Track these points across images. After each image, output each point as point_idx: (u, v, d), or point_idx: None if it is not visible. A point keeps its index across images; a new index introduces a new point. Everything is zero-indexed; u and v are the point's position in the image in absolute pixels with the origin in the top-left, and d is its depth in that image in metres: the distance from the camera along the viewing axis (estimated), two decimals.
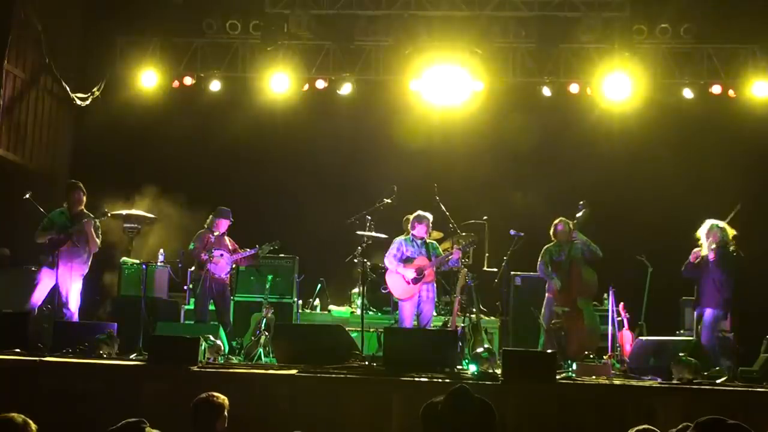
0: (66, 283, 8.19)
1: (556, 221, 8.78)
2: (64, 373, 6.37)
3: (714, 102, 10.62)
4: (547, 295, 8.61)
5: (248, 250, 8.96)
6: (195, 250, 8.88)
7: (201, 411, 4.53)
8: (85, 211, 8.43)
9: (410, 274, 8.53)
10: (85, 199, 8.45)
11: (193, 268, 9.63)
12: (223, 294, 8.89)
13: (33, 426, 3.30)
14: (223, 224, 8.96)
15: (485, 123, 10.92)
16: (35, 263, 8.48)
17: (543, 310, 8.51)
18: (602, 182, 10.60)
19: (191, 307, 9.60)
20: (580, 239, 8.50)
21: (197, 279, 8.82)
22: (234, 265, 9.11)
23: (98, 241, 8.45)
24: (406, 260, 8.65)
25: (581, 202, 8.55)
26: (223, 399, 4.59)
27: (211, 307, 8.90)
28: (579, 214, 8.53)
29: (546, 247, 8.76)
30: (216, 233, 8.88)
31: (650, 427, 3.67)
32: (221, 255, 8.77)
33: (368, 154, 11.23)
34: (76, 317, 8.30)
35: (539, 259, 8.71)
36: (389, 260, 8.70)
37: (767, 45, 10.56)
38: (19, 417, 3.30)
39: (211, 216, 8.99)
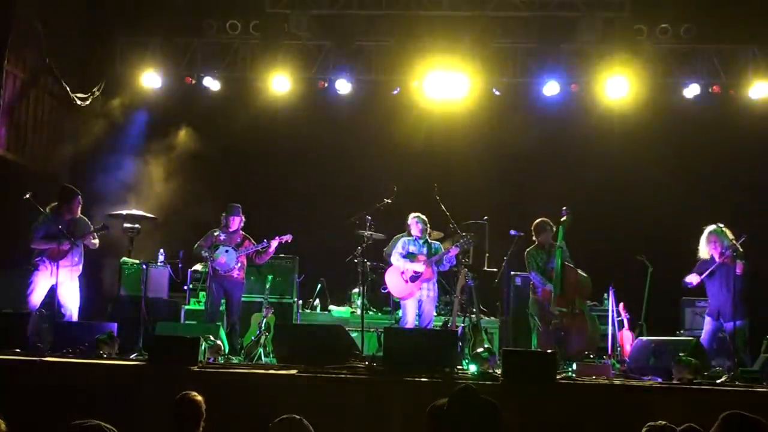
0: (63, 285, 8.17)
1: (541, 224, 8.63)
2: (64, 373, 6.36)
3: (714, 102, 10.62)
4: (534, 296, 8.47)
5: (257, 244, 8.89)
6: (197, 248, 8.88)
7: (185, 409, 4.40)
8: (82, 217, 8.43)
9: (420, 267, 8.60)
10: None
11: (196, 267, 9.65)
12: (232, 292, 8.83)
13: None
14: (234, 221, 8.92)
15: (485, 123, 10.92)
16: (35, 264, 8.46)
17: (532, 310, 8.44)
18: (602, 182, 10.61)
19: (191, 307, 9.63)
20: (561, 244, 8.40)
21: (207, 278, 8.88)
22: (244, 262, 8.93)
23: (96, 242, 8.46)
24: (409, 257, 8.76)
25: (564, 209, 8.47)
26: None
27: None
28: (562, 220, 8.44)
29: (528, 251, 8.58)
30: (228, 231, 8.87)
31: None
32: (226, 251, 8.76)
33: (368, 154, 11.23)
34: (75, 318, 8.29)
35: (527, 265, 8.55)
36: (395, 258, 8.78)
37: (767, 45, 10.56)
38: None
39: (223, 214, 9.00)
